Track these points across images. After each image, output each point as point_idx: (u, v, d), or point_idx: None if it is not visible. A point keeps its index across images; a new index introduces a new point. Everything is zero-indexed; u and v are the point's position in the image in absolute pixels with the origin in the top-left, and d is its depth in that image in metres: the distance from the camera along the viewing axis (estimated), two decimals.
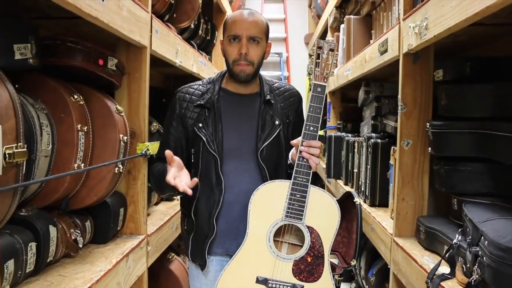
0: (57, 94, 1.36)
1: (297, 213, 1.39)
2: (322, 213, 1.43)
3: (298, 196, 1.38)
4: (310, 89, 6.02)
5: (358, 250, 1.79)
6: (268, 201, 1.42)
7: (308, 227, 1.41)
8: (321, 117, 1.41)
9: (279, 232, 1.44)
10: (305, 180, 1.38)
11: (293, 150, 1.52)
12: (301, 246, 1.44)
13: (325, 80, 1.42)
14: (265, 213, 1.41)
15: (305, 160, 1.38)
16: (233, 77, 1.53)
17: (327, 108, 4.04)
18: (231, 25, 1.51)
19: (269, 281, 1.41)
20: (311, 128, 1.39)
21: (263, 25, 1.53)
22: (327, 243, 1.43)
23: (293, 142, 1.45)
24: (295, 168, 1.39)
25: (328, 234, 1.43)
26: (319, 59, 1.43)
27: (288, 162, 1.58)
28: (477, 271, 1.14)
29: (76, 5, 1.16)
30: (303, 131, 1.39)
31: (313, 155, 1.38)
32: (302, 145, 1.38)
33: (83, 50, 1.45)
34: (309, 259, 1.43)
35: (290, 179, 1.43)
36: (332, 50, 1.44)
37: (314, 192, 1.41)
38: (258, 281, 1.41)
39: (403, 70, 1.77)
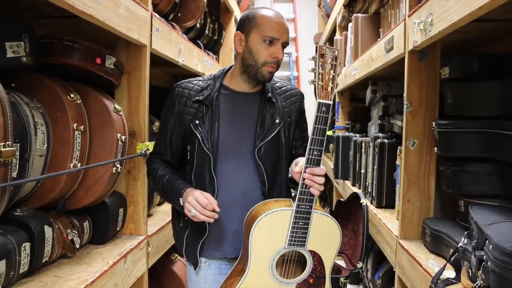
0: (53, 93, 1.35)
1: (300, 240, 1.35)
2: (324, 237, 1.39)
3: (301, 223, 1.33)
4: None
5: (364, 252, 1.75)
6: (271, 231, 1.35)
7: (311, 251, 1.38)
8: (325, 140, 1.31)
9: (285, 266, 1.41)
10: (308, 207, 1.33)
11: (292, 166, 1.45)
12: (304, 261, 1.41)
13: (330, 97, 1.30)
14: (268, 243, 1.36)
15: (308, 187, 1.32)
16: (256, 77, 1.48)
17: (335, 108, 3.99)
18: (269, 25, 1.45)
19: None
20: (315, 153, 1.30)
21: None
22: (328, 264, 1.41)
23: (296, 170, 1.37)
24: (298, 195, 1.32)
25: (329, 256, 1.40)
26: (321, 70, 1.30)
27: (289, 175, 1.53)
28: (481, 276, 1.09)
29: (69, 2, 1.15)
30: (306, 156, 1.31)
31: (316, 183, 1.31)
32: (305, 171, 1.31)
33: (80, 49, 1.43)
34: (311, 281, 1.40)
35: (290, 194, 1.40)
36: (336, 58, 1.31)
37: (316, 217, 1.36)
38: None
39: (408, 68, 1.73)
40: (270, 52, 1.45)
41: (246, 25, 1.48)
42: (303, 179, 1.31)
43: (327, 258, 1.40)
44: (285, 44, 1.48)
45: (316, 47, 1.34)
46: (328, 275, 1.41)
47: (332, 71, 1.31)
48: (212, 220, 1.37)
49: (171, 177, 1.49)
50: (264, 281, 1.37)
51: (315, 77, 1.32)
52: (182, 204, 1.42)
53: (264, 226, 1.34)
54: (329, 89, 1.30)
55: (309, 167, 1.30)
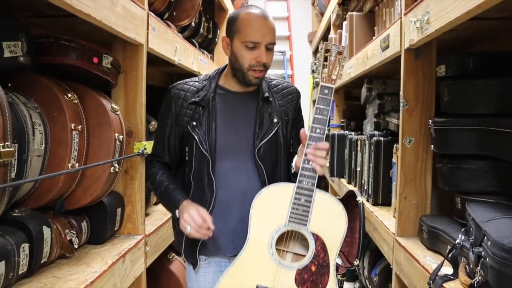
0: (51, 93, 1.34)
1: (301, 218, 1.32)
2: (328, 220, 1.35)
3: (302, 200, 1.32)
4: (313, 87, 5.93)
5: (361, 250, 1.76)
6: (271, 206, 1.34)
7: (313, 234, 1.34)
8: (328, 120, 1.34)
9: (283, 241, 1.37)
10: (310, 184, 1.32)
11: (296, 157, 1.46)
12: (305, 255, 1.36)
13: (333, 82, 1.37)
14: (268, 218, 1.34)
15: (310, 163, 1.32)
16: (244, 81, 1.48)
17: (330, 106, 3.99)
18: (249, 29, 1.43)
19: None
20: (318, 131, 1.33)
21: (275, 28, 1.49)
22: (333, 251, 1.35)
23: (302, 132, 1.39)
24: (300, 171, 1.33)
25: (334, 242, 1.35)
26: (326, 62, 1.39)
27: (292, 171, 1.52)
28: (480, 272, 1.10)
29: (67, 1, 1.14)
30: (309, 133, 1.33)
31: (319, 157, 1.32)
32: (307, 147, 1.33)
33: (77, 48, 1.42)
34: (313, 268, 1.34)
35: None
36: (340, 53, 1.39)
37: (320, 197, 1.34)
38: None
39: (404, 66, 1.74)
40: (254, 56, 1.43)
41: (230, 29, 1.48)
42: (306, 155, 1.32)
43: (331, 244, 1.34)
44: (269, 45, 1.45)
45: (323, 44, 1.41)
46: (333, 266, 1.35)
47: (336, 63, 1.39)
48: (206, 238, 1.40)
49: (169, 186, 1.50)
50: (262, 259, 1.33)
51: (321, 67, 1.39)
52: (177, 216, 1.44)
53: (265, 200, 1.35)
54: (333, 76, 1.38)
55: (312, 143, 1.33)
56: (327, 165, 3.45)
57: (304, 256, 1.36)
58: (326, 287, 1.34)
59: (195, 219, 1.37)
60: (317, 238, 1.34)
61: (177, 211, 1.44)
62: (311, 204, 1.33)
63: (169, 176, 1.54)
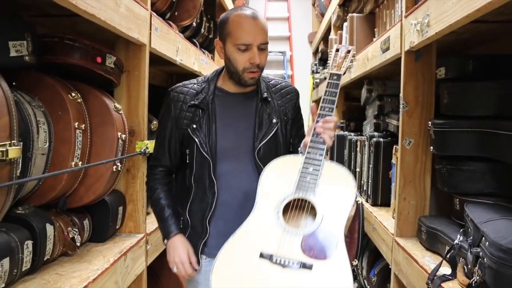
0: (55, 92, 1.36)
1: (309, 186, 1.33)
2: (337, 186, 1.36)
3: (311, 169, 1.34)
4: (313, 88, 5.94)
5: (360, 250, 1.77)
6: (280, 175, 1.38)
7: (321, 201, 1.32)
8: (336, 101, 1.41)
9: (291, 213, 1.34)
10: (318, 154, 1.35)
11: (306, 138, 1.47)
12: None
13: (341, 70, 1.47)
14: (276, 187, 1.36)
15: (319, 136, 1.37)
16: (240, 82, 1.49)
17: None
18: (239, 32, 1.43)
19: (274, 257, 1.27)
20: (326, 109, 1.40)
21: (267, 27, 1.49)
22: (342, 218, 1.30)
23: (312, 105, 1.46)
24: (308, 144, 1.37)
25: (342, 209, 1.32)
26: (336, 58, 1.51)
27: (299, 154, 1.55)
28: (478, 272, 1.12)
29: (73, 2, 1.16)
30: (318, 111, 1.40)
31: (328, 129, 1.37)
32: (316, 123, 1.38)
33: (81, 48, 1.44)
34: (320, 235, 1.28)
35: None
36: (349, 51, 1.52)
37: (328, 166, 1.36)
38: (262, 256, 1.28)
39: (405, 68, 1.75)
40: (247, 58, 1.44)
41: (221, 32, 1.49)
42: (315, 129, 1.38)
43: (339, 211, 1.32)
44: (262, 46, 1.45)
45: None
46: (342, 233, 1.28)
47: (345, 59, 1.50)
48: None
49: (164, 210, 1.52)
50: (268, 225, 1.31)
51: (331, 62, 1.50)
52: (165, 244, 1.51)
53: (275, 169, 1.40)
54: (342, 67, 1.48)
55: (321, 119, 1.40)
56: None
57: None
58: (333, 255, 1.27)
59: (185, 266, 1.47)
60: (325, 205, 1.32)
61: (166, 240, 1.51)
62: (319, 172, 1.34)
63: (167, 194, 1.55)
